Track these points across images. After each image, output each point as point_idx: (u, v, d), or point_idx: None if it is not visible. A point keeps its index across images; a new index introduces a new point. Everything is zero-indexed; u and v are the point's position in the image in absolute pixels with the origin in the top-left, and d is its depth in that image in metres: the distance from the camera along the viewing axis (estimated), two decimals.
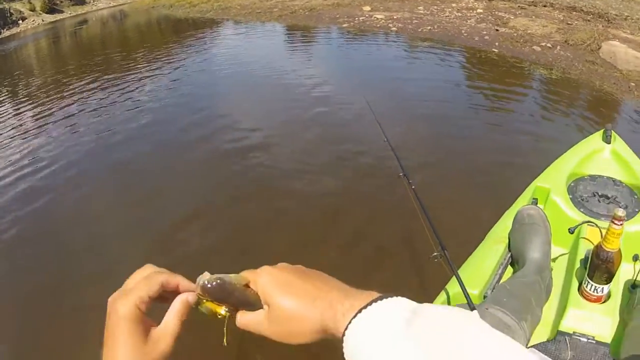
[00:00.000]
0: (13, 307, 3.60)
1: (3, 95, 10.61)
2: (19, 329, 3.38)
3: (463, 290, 1.68)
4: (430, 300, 1.93)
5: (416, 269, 3.25)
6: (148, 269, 0.66)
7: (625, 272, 1.81)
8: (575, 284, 1.80)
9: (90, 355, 2.61)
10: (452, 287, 1.98)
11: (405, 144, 4.91)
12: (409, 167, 2.67)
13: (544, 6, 11.93)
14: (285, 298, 0.60)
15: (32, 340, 3.24)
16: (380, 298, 0.55)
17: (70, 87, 9.93)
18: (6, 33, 28.60)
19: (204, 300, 0.65)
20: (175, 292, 0.65)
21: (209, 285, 0.62)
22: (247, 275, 0.65)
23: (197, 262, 3.65)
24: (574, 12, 11.57)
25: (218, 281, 0.62)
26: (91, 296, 3.24)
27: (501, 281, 1.96)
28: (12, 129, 7.82)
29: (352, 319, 0.53)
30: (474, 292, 1.85)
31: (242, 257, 3.69)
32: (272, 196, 4.58)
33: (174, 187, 5.05)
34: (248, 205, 4.49)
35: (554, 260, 2.05)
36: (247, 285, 0.64)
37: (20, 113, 8.74)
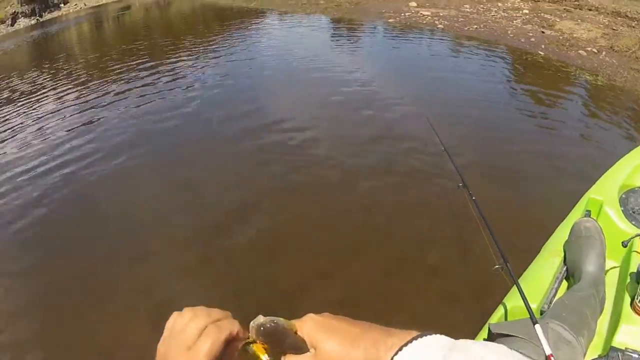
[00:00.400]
0: (52, 287, 3.84)
1: (47, 78, 11.10)
2: (53, 309, 3.61)
3: (525, 304, 1.67)
4: (489, 312, 2.12)
5: (474, 281, 3.28)
6: (204, 316, 0.65)
7: None
8: (627, 298, 1.78)
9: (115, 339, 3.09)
10: (511, 300, 2.03)
11: (460, 152, 4.83)
12: (466, 175, 2.70)
13: (589, 10, 12.03)
14: (330, 341, 0.62)
15: (66, 322, 3.48)
16: (420, 336, 0.59)
17: (114, 72, 10.41)
18: (47, 16, 29.34)
19: (251, 343, 0.67)
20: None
21: (266, 326, 0.64)
22: (293, 322, 0.67)
23: (236, 263, 3.82)
24: (619, 18, 11.65)
25: (273, 324, 0.64)
26: (125, 281, 3.76)
27: (557, 294, 1.99)
28: (54, 112, 8.29)
29: (394, 356, 0.57)
30: (533, 305, 1.81)
31: (290, 256, 3.82)
32: (324, 200, 4.61)
33: (219, 181, 5.17)
34: (295, 207, 4.53)
35: (606, 273, 2.03)
36: (295, 332, 0.66)
37: (63, 97, 9.21)
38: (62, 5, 30.71)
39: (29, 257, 4.22)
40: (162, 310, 3.36)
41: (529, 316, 1.58)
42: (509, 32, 10.54)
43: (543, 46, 9.45)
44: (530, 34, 10.26)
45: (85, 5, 30.42)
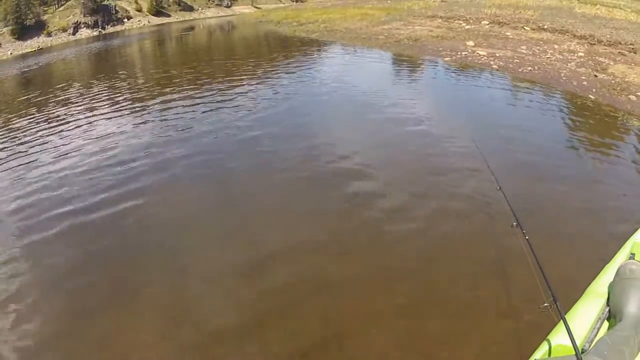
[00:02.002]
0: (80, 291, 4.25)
1: (104, 90, 12.03)
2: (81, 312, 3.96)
3: (572, 340, 1.73)
4: (533, 348, 2.18)
5: (519, 318, 3.42)
6: None
7: None
8: None
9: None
10: (555, 337, 2.09)
11: (513, 192, 4.62)
12: (519, 216, 2.84)
13: None
14: None
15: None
16: None
17: (174, 88, 11.33)
18: (110, 29, 31.04)
19: None
20: None
21: None
22: None
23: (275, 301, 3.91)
24: None
25: None
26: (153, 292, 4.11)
27: (599, 334, 2.05)
28: (109, 124, 9.12)
29: None
30: (576, 343, 1.85)
31: (327, 294, 3.92)
32: (375, 238, 4.72)
33: (268, 209, 5.42)
34: (343, 239, 4.71)
35: None
36: None
37: (119, 110, 10.10)
38: (126, 20, 32.53)
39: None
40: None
41: (573, 353, 1.66)
42: (562, 74, 10.95)
43: (594, 90, 9.80)
44: (583, 77, 10.64)
45: (149, 22, 32.08)
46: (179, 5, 35.58)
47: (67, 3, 33.26)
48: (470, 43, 14.09)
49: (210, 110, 9.48)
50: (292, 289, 4.03)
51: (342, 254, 4.52)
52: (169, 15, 33.56)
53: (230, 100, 10.16)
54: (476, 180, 5.64)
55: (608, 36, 14.18)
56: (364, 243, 4.66)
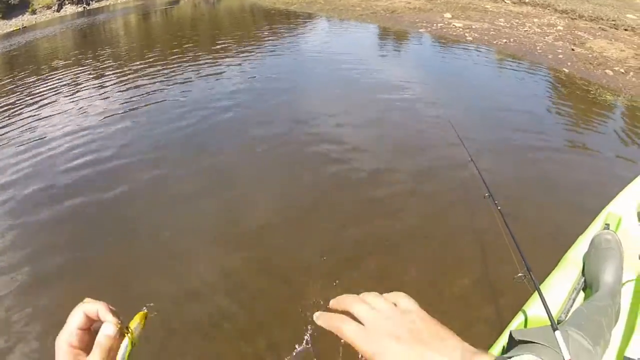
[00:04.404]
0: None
1: (89, 65, 11.64)
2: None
3: (547, 311, 1.70)
4: (508, 319, 2.17)
5: (494, 289, 3.37)
6: (80, 303, 0.71)
7: None
8: None
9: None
10: (531, 307, 2.07)
11: (485, 162, 4.92)
12: (492, 186, 2.76)
13: (625, 30, 11.79)
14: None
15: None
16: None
17: (158, 63, 10.85)
18: (94, 5, 30.44)
19: (125, 329, 0.70)
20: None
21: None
22: None
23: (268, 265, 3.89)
24: None
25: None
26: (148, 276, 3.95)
27: (575, 304, 2.04)
28: (93, 98, 8.70)
29: None
30: (552, 314, 1.83)
31: (326, 264, 3.82)
32: (348, 204, 4.68)
33: (256, 183, 5.26)
34: (324, 211, 4.60)
35: (622, 285, 2.07)
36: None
37: (104, 85, 9.67)
38: None
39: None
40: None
41: (548, 324, 1.62)
42: (538, 47, 10.47)
43: (569, 63, 9.35)
44: (560, 51, 10.17)
45: None
46: None
47: None
48: (448, 15, 13.52)
49: (195, 81, 9.07)
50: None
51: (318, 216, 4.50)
52: None
53: (215, 72, 9.73)
54: (448, 151, 5.47)
55: (590, 11, 13.61)
56: (335, 208, 4.63)
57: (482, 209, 3.77)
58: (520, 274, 2.14)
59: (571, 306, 2.02)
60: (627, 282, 2.11)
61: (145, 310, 0.76)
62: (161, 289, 3.68)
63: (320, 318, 0.66)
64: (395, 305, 0.65)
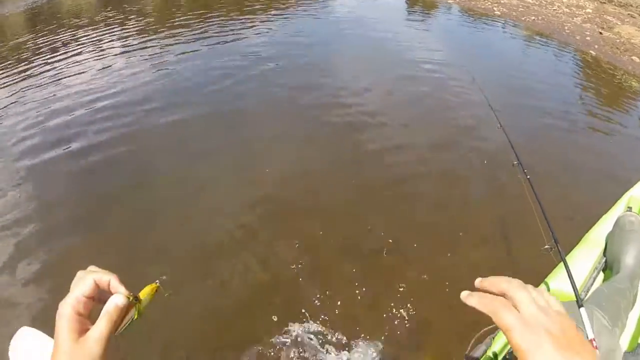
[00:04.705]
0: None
1: (114, 23, 11.06)
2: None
3: (573, 287, 1.68)
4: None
5: (515, 259, 3.41)
6: (87, 271, 0.71)
7: None
8: None
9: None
10: (554, 280, 2.06)
11: (511, 131, 4.96)
12: (521, 155, 2.73)
13: None
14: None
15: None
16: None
17: (184, 22, 10.44)
18: None
19: (133, 299, 0.70)
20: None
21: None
22: None
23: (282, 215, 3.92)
24: None
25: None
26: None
27: (594, 283, 2.04)
28: (120, 58, 8.52)
29: None
30: (571, 292, 1.83)
31: (333, 221, 3.84)
32: (372, 171, 4.61)
33: (274, 140, 5.17)
34: (346, 176, 4.54)
35: None
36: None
37: (130, 45, 9.53)
38: None
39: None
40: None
41: (571, 300, 1.61)
42: (566, 27, 10.43)
43: (596, 46, 9.35)
44: (587, 33, 10.14)
45: None
46: None
47: None
48: None
49: (222, 42, 8.72)
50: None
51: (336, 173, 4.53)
52: None
53: (245, 29, 9.41)
54: (477, 119, 5.55)
55: None
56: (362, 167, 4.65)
57: (509, 177, 3.82)
58: (547, 246, 2.11)
59: (591, 285, 2.01)
60: None
61: (157, 284, 0.77)
62: (177, 242, 3.68)
63: (473, 297, 0.65)
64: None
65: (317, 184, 4.38)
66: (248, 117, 5.70)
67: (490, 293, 0.66)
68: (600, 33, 10.25)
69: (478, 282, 0.70)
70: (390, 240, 3.65)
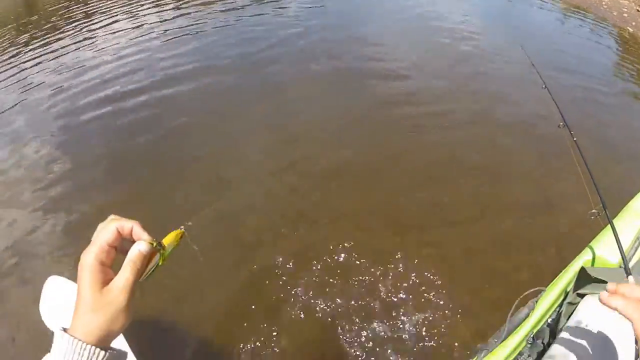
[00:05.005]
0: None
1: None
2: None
3: (621, 254, 1.65)
4: (574, 255, 2.10)
5: (561, 224, 3.46)
6: (108, 220, 0.69)
7: None
8: None
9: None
10: (599, 246, 2.00)
11: (560, 94, 4.83)
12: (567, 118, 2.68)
13: None
14: None
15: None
16: None
17: None
18: None
19: (157, 245, 0.70)
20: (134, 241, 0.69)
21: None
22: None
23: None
24: None
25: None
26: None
27: (636, 254, 1.96)
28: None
29: None
30: (614, 259, 1.85)
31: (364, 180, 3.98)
32: (415, 136, 4.67)
33: (308, 104, 5.23)
34: (387, 143, 4.58)
35: None
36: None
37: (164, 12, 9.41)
38: None
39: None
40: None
41: (618, 266, 1.62)
42: (604, 3, 10.37)
43: (634, 23, 9.34)
44: (625, 9, 10.09)
45: None
46: None
47: None
48: None
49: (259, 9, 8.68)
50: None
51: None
52: None
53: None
54: (522, 79, 5.59)
55: None
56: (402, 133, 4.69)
57: (555, 139, 3.82)
58: (594, 210, 2.06)
59: (633, 255, 1.95)
60: None
61: (182, 229, 0.76)
62: (204, 200, 3.78)
63: (617, 300, 0.75)
64: None
65: (351, 145, 4.47)
66: (283, 77, 5.81)
67: (629, 299, 0.75)
68: (638, 11, 10.19)
69: (613, 287, 0.80)
70: (435, 204, 3.75)
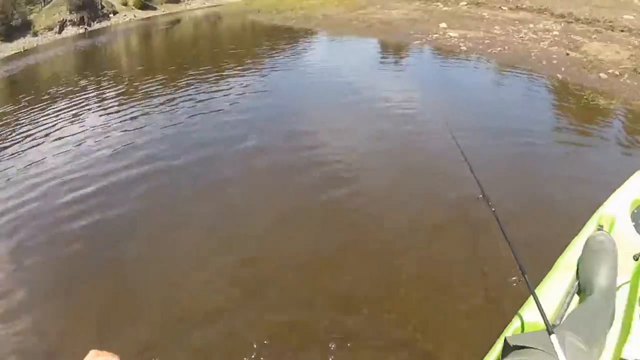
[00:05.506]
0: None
1: (91, 88, 11.68)
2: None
3: (542, 315, 1.69)
4: (504, 324, 2.10)
5: (488, 292, 3.35)
6: (91, 355, 0.76)
7: None
8: (637, 310, 1.82)
9: None
10: (526, 312, 2.03)
11: (480, 165, 4.72)
12: (486, 188, 2.77)
13: (622, 31, 11.67)
14: None
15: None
16: None
17: (159, 85, 10.86)
18: (96, 26, 30.61)
19: None
20: None
21: None
22: None
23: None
24: None
25: None
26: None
27: (569, 307, 2.01)
28: (94, 122, 8.68)
29: None
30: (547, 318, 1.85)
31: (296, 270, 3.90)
32: (341, 212, 4.71)
33: (247, 195, 5.35)
34: (319, 222, 4.63)
35: (618, 288, 2.04)
36: None
37: (106, 107, 9.65)
38: (112, 15, 32.04)
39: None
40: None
41: (544, 328, 1.61)
42: (533, 54, 10.40)
43: (563, 69, 9.28)
44: (554, 56, 10.09)
45: (135, 16, 31.58)
46: None
47: (54, 0, 32.84)
48: (443, 25, 13.49)
49: (196, 102, 9.06)
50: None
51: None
52: (155, 9, 32.96)
53: (217, 91, 9.76)
54: (444, 154, 5.41)
55: (587, 14, 13.48)
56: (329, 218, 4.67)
57: (476, 211, 3.74)
58: (515, 278, 2.21)
59: (566, 310, 1.99)
60: (622, 284, 2.08)
61: None
62: (155, 308, 3.72)
63: None
64: None
65: (293, 234, 4.44)
66: (224, 182, 5.76)
67: None
68: (567, 54, 10.19)
69: None
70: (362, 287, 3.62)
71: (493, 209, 2.48)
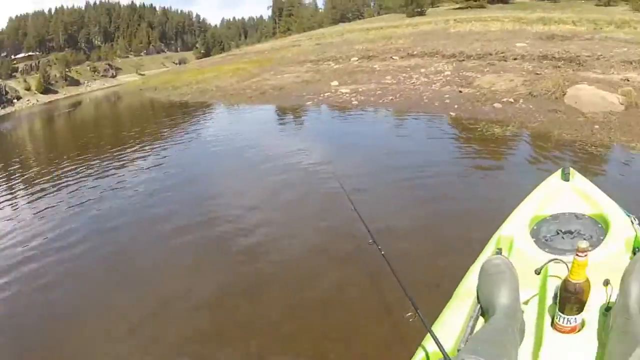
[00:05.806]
0: None
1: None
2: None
3: (438, 346, 1.71)
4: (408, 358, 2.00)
5: (392, 330, 3.16)
6: None
7: (598, 297, 1.81)
8: (548, 320, 1.81)
9: None
10: (427, 346, 1.97)
11: (370, 209, 4.59)
12: (376, 232, 2.75)
13: (514, 59, 11.43)
14: None
15: None
16: None
17: (64, 171, 9.61)
18: (1, 112, 29.93)
19: None
20: None
21: None
22: None
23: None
24: (545, 61, 11.03)
25: None
26: None
27: (474, 331, 1.93)
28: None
29: None
30: (448, 346, 1.81)
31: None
32: (238, 262, 4.41)
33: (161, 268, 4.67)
34: (225, 274, 4.26)
35: (526, 303, 2.00)
36: None
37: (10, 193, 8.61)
38: (16, 100, 31.30)
39: None
40: None
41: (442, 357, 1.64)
42: (424, 97, 9.76)
43: (456, 106, 8.63)
44: (447, 96, 9.47)
45: (37, 101, 31.09)
46: (66, 80, 35.21)
47: None
48: (335, 83, 12.90)
49: (100, 183, 8.07)
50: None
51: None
52: (56, 92, 33.09)
53: (116, 171, 8.81)
54: (334, 205, 5.11)
55: (478, 50, 13.34)
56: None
57: (369, 255, 3.46)
58: (409, 314, 2.45)
59: (470, 334, 1.88)
60: (530, 299, 2.00)
61: None
62: None
63: None
64: None
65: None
66: (128, 264, 4.95)
67: None
68: (460, 91, 9.63)
69: None
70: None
71: (382, 252, 2.51)
